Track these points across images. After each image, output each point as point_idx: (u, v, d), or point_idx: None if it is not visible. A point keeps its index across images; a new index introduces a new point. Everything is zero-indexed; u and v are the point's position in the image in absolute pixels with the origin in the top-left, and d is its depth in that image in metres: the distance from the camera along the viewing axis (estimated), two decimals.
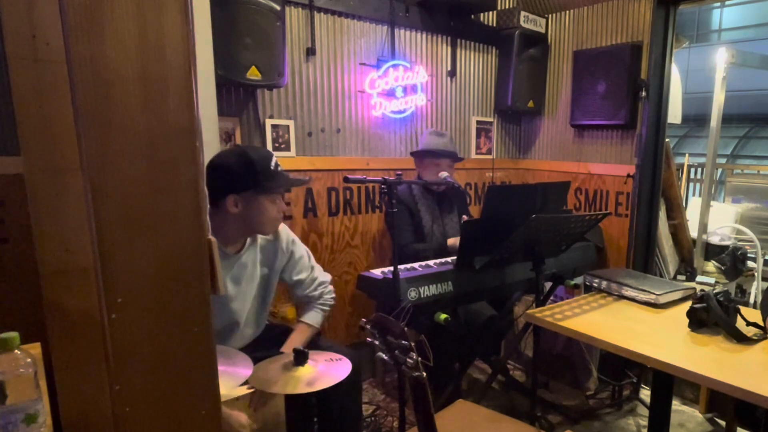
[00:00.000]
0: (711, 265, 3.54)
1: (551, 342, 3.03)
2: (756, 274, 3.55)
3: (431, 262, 2.26)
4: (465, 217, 2.72)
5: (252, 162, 1.68)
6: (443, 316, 2.02)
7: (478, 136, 3.46)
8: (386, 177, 1.97)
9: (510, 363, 3.11)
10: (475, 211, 3.49)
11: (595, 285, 2.16)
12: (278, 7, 2.25)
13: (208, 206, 1.70)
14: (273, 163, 1.74)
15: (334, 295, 2.07)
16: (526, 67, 3.34)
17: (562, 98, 3.41)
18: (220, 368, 1.00)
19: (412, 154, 2.77)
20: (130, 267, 0.82)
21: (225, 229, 1.74)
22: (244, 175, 1.68)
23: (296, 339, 1.91)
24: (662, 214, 3.22)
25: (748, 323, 1.69)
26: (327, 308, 2.03)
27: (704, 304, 1.71)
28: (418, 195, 2.64)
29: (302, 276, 1.99)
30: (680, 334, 1.71)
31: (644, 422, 2.63)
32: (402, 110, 2.99)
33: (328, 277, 2.08)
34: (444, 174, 2.57)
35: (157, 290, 0.85)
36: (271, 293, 1.98)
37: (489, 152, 3.55)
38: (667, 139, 3.05)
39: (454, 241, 2.57)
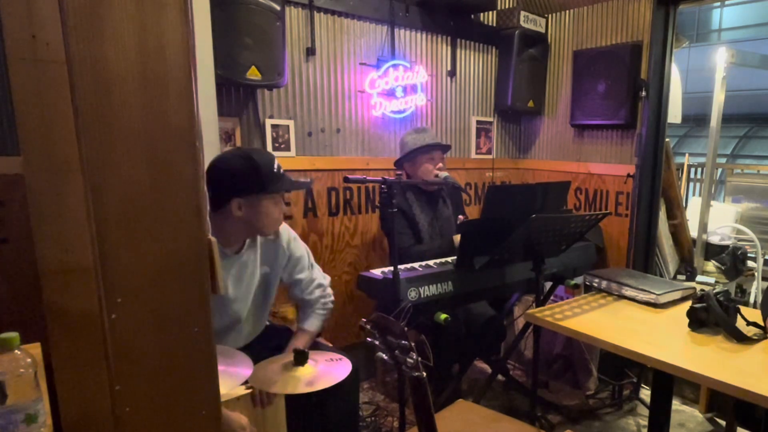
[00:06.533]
0: (711, 265, 3.54)
1: (551, 342, 3.03)
2: (756, 273, 3.55)
3: (431, 262, 2.26)
4: (462, 218, 2.71)
5: (257, 166, 1.68)
6: (443, 316, 2.02)
7: (478, 136, 3.46)
8: (386, 177, 1.97)
9: (510, 363, 3.11)
10: (475, 211, 3.49)
11: (595, 285, 2.16)
12: (278, 7, 2.25)
13: (209, 208, 1.72)
14: (276, 166, 1.73)
15: (332, 299, 2.03)
16: (526, 67, 3.33)
17: (562, 98, 3.41)
18: (220, 368, 1.00)
19: (401, 160, 2.62)
20: (130, 267, 0.82)
21: (226, 231, 1.74)
22: (249, 180, 1.68)
23: (296, 346, 1.89)
24: (662, 214, 3.22)
25: (748, 323, 1.70)
26: (325, 312, 1.99)
27: (704, 304, 1.71)
28: (412, 198, 2.58)
29: (301, 276, 1.97)
30: (680, 334, 1.71)
31: (644, 422, 2.63)
32: (402, 110, 2.99)
33: (327, 279, 2.04)
34: (444, 174, 2.57)
35: (157, 290, 0.85)
36: (272, 292, 1.98)
37: (489, 152, 3.55)
38: (667, 139, 3.05)
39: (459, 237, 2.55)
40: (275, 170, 1.72)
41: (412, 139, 2.59)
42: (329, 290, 2.03)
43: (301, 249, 1.99)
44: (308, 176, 2.72)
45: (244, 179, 1.68)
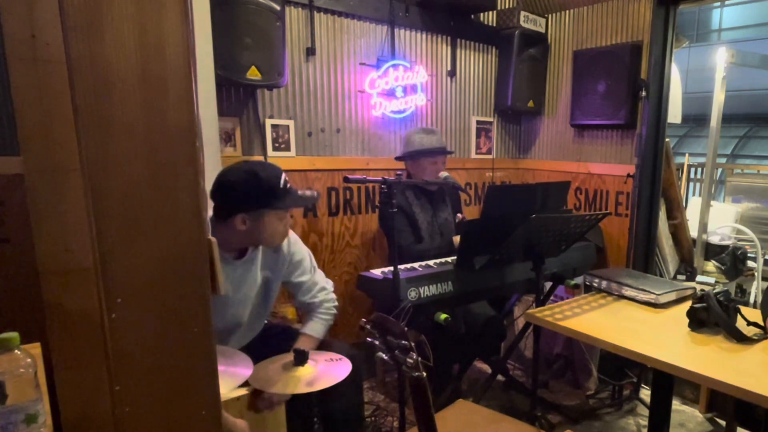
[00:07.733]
0: (711, 265, 3.54)
1: (551, 342, 3.03)
2: (756, 273, 3.55)
3: (431, 262, 2.26)
4: (460, 216, 2.71)
5: (262, 182, 1.67)
6: (443, 316, 2.02)
7: (478, 136, 3.46)
8: (386, 177, 1.97)
9: (510, 363, 3.11)
10: (475, 211, 3.49)
11: (595, 285, 2.16)
12: (278, 7, 2.26)
13: (214, 218, 1.71)
14: (282, 181, 1.72)
15: (336, 304, 2.01)
16: (526, 67, 3.33)
17: (562, 98, 3.41)
18: (220, 368, 1.00)
19: (404, 156, 2.64)
20: (130, 267, 0.82)
21: (229, 239, 1.73)
22: (253, 196, 1.67)
23: None
24: (662, 214, 3.22)
25: (748, 323, 1.70)
26: (329, 317, 1.96)
27: (704, 304, 1.71)
28: (412, 197, 2.58)
29: (303, 278, 1.96)
30: (680, 334, 1.71)
31: (644, 422, 2.63)
32: (402, 110, 2.99)
33: (330, 284, 2.03)
34: (444, 174, 2.57)
35: (157, 290, 0.85)
36: (273, 296, 1.97)
37: (489, 152, 3.55)
38: (667, 139, 3.05)
39: (459, 238, 2.55)
40: (281, 186, 1.71)
41: (419, 139, 2.57)
42: (333, 295, 2.02)
43: (302, 252, 1.97)
44: (308, 176, 2.72)
45: (249, 195, 1.67)
